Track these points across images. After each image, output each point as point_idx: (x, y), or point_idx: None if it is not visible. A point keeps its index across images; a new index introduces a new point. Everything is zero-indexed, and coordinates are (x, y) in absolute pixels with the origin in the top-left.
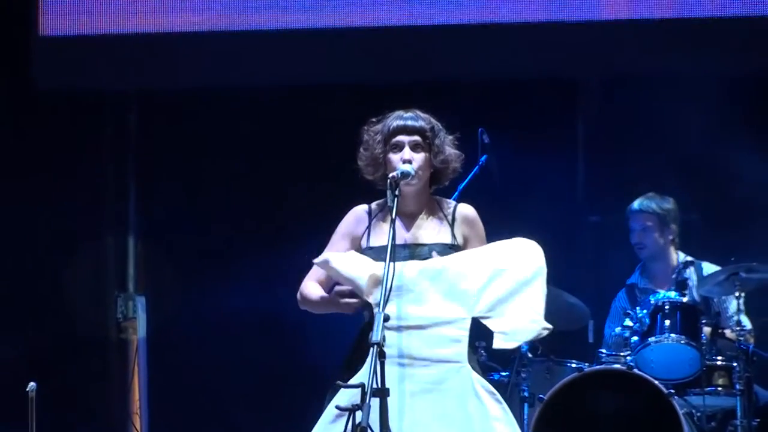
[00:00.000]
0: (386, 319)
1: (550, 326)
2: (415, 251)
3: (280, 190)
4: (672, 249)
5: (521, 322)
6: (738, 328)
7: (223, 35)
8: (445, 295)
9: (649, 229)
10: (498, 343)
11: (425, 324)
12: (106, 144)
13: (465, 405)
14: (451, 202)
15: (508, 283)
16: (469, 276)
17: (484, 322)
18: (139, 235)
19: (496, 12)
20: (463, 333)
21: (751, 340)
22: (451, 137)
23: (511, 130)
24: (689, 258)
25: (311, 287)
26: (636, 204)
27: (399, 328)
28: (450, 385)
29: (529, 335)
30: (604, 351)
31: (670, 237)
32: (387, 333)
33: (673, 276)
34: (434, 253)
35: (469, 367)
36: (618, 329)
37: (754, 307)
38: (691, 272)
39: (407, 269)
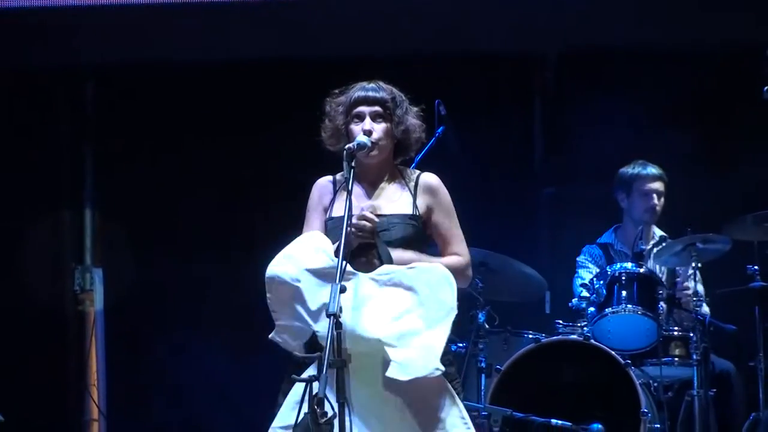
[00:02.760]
0: (342, 290)
1: (442, 368)
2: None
3: (238, 163)
4: None
5: (420, 359)
6: (695, 299)
7: (181, 8)
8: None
9: (662, 195)
10: (391, 372)
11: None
12: (62, 117)
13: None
14: (415, 172)
15: (421, 320)
16: (389, 303)
17: (386, 348)
18: (95, 207)
19: None
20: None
21: (706, 308)
22: (416, 109)
23: (468, 103)
24: (664, 233)
25: None
26: (652, 169)
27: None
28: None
29: (421, 372)
30: (561, 321)
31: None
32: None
33: (650, 247)
34: (392, 232)
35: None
36: (575, 300)
37: (710, 277)
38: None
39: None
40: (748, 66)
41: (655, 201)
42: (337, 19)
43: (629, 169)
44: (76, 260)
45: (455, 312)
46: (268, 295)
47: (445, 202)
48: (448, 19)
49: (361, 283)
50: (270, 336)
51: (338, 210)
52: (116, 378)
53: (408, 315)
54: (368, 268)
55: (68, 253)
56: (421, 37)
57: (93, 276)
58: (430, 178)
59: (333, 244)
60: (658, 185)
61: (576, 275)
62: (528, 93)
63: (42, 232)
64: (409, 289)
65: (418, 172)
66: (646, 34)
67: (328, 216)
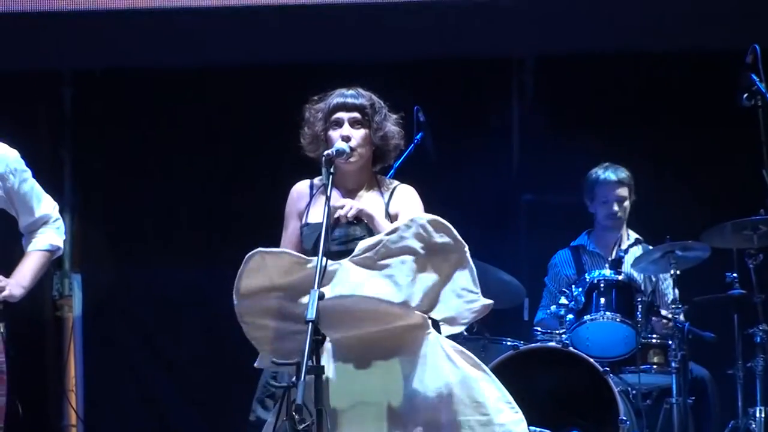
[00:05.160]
0: (321, 297)
1: (489, 301)
2: (349, 229)
3: (217, 170)
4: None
5: (462, 306)
6: (673, 306)
7: (160, 14)
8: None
9: (623, 199)
10: (446, 330)
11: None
12: (41, 121)
13: (439, 371)
14: (393, 182)
15: (435, 272)
16: (395, 273)
17: (417, 313)
18: (74, 212)
19: None
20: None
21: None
22: (395, 116)
23: (446, 109)
24: (638, 236)
25: None
26: (611, 174)
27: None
28: (417, 351)
29: (470, 316)
30: (539, 329)
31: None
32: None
33: (622, 251)
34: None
35: (435, 333)
36: (553, 307)
37: (687, 285)
38: (638, 250)
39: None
40: (727, 72)
41: (615, 208)
42: (316, 25)
43: (593, 174)
44: (54, 266)
45: (465, 245)
46: (243, 325)
47: (415, 210)
48: (426, 24)
49: (350, 270)
50: (255, 364)
51: (314, 216)
52: (94, 384)
53: (421, 275)
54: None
55: None
56: (399, 43)
57: (72, 282)
58: (405, 189)
59: (310, 248)
60: (619, 191)
61: (543, 298)
62: (506, 98)
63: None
64: (404, 251)
65: (396, 182)
66: (624, 38)
67: (303, 222)
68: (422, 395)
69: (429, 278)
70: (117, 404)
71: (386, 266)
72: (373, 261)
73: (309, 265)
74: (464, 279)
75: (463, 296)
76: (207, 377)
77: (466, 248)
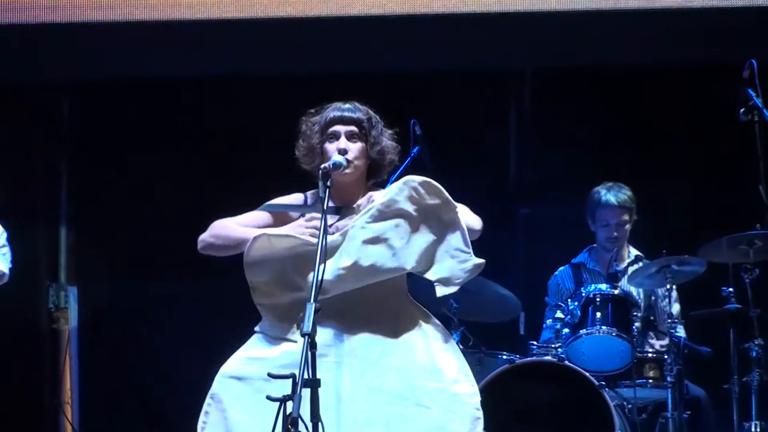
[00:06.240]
0: (317, 310)
1: (481, 260)
2: (342, 242)
3: (213, 181)
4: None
5: (452, 266)
6: (670, 321)
7: (157, 26)
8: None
9: (624, 222)
10: (440, 291)
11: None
12: (38, 134)
13: (409, 338)
14: None
15: (432, 233)
16: (389, 236)
17: (422, 275)
18: (71, 225)
19: (429, 4)
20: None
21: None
22: (390, 131)
23: (443, 122)
24: (639, 253)
25: (237, 223)
26: (612, 198)
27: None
28: (394, 316)
29: (463, 275)
30: (535, 343)
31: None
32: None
33: (623, 267)
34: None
35: (411, 299)
36: (549, 321)
37: (683, 300)
38: (638, 267)
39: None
40: (725, 86)
41: (615, 233)
42: (312, 37)
43: (595, 194)
44: (50, 278)
45: (456, 206)
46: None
47: None
48: (423, 37)
49: (345, 245)
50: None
51: None
52: (90, 396)
53: (415, 237)
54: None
55: (42, 270)
56: (395, 56)
57: (68, 294)
58: None
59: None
60: (619, 216)
61: (545, 318)
62: (503, 112)
63: (16, 249)
64: (397, 215)
65: None
66: (621, 53)
67: None
68: (388, 357)
69: (423, 240)
70: (113, 416)
71: (380, 230)
72: (368, 226)
73: (314, 241)
74: (456, 239)
75: (457, 256)
76: (204, 388)
77: (458, 209)
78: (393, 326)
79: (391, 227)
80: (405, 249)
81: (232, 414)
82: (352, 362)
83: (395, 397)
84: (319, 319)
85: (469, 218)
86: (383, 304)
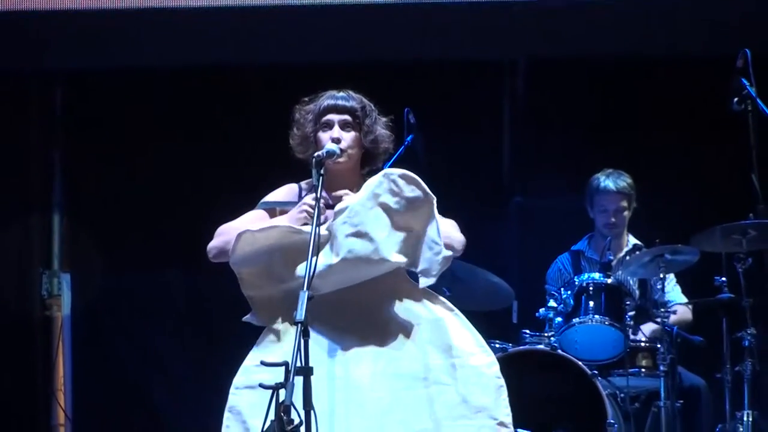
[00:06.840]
0: (310, 298)
1: (450, 252)
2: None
3: (206, 170)
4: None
5: (431, 258)
6: (662, 310)
7: (150, 13)
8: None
9: (623, 209)
10: (423, 282)
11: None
12: (31, 121)
13: (413, 314)
14: None
15: (408, 226)
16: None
17: (398, 262)
18: (64, 212)
19: None
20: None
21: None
22: (385, 119)
23: (437, 111)
24: (638, 242)
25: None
26: (611, 183)
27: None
28: (393, 295)
29: (438, 267)
30: (528, 331)
31: (630, 215)
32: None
33: (620, 256)
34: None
35: (416, 285)
36: (542, 309)
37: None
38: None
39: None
40: (718, 76)
41: (613, 219)
42: (306, 26)
43: (594, 181)
44: (43, 265)
45: (434, 198)
46: (240, 282)
47: None
48: (416, 26)
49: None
50: (244, 319)
51: None
52: (83, 383)
53: (396, 229)
54: None
55: (36, 257)
56: (389, 45)
57: (61, 281)
58: None
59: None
60: (617, 202)
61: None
62: (497, 101)
63: (10, 236)
64: (376, 208)
65: None
66: (615, 42)
67: None
68: (395, 337)
69: (404, 232)
70: (106, 404)
71: (361, 223)
72: (350, 220)
73: (305, 228)
74: (433, 230)
75: (433, 248)
76: (197, 376)
77: (434, 200)
78: (400, 310)
79: (372, 220)
80: (386, 241)
81: (252, 422)
82: (363, 351)
83: (413, 379)
84: (323, 312)
85: (453, 235)
86: (386, 290)
